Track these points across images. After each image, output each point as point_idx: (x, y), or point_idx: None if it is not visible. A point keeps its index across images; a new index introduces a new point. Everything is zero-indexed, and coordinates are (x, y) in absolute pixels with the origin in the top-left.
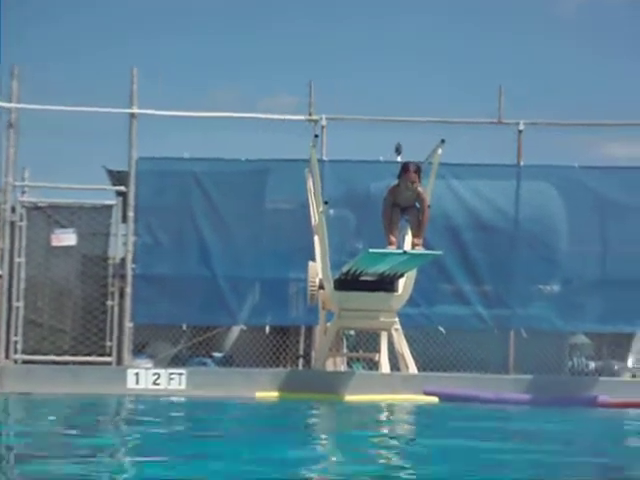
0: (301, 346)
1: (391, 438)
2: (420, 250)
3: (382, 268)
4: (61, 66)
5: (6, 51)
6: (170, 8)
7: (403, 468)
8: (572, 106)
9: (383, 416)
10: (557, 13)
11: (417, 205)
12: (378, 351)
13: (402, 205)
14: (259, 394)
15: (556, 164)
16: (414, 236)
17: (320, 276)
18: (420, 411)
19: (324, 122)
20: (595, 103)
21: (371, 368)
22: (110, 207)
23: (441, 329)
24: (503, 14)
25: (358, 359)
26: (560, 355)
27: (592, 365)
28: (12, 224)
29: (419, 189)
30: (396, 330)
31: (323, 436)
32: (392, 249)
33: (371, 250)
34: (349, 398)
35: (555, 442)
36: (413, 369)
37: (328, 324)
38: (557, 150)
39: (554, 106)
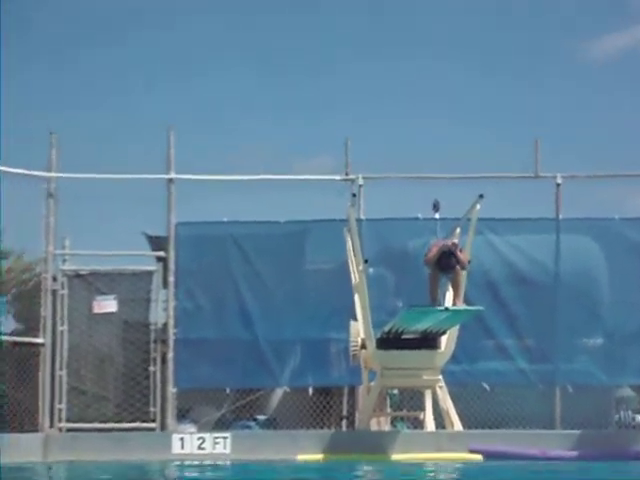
0: (344, 407)
1: None
2: (461, 306)
3: (424, 326)
4: (94, 130)
5: (42, 117)
6: (204, 69)
7: None
8: (609, 157)
9: (430, 476)
10: (591, 60)
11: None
12: (422, 409)
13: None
14: (301, 456)
15: (595, 216)
16: (454, 296)
17: (362, 335)
18: (466, 470)
19: (361, 181)
20: (633, 154)
21: (415, 427)
22: (150, 273)
23: (485, 385)
24: (537, 64)
25: (402, 418)
26: (606, 409)
27: (639, 418)
28: (54, 292)
29: (458, 254)
30: (440, 387)
31: None
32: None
33: (412, 307)
34: (395, 457)
35: None
36: (458, 426)
37: (371, 384)
38: (596, 202)
39: (592, 158)
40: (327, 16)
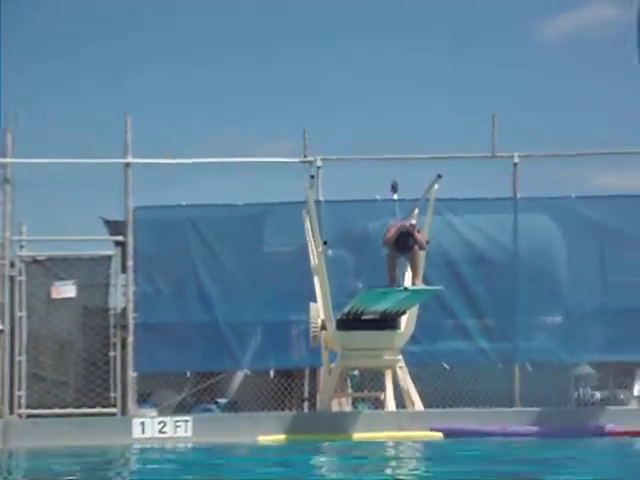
0: (306, 388)
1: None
2: (420, 286)
3: (383, 306)
4: (52, 116)
5: None
6: (164, 53)
7: None
8: (566, 137)
9: (391, 454)
10: (546, 41)
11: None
12: (383, 389)
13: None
14: (262, 438)
15: (552, 195)
16: (413, 277)
17: (322, 317)
18: (428, 448)
19: (319, 163)
20: (589, 133)
21: (377, 407)
22: (109, 257)
23: (445, 365)
24: (493, 45)
25: (363, 399)
26: (565, 386)
27: (598, 395)
28: (12, 278)
29: (416, 235)
30: (400, 368)
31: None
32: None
33: (372, 288)
34: (356, 437)
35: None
36: (419, 406)
37: (332, 365)
38: (553, 182)
39: (548, 138)
40: (283, 5)
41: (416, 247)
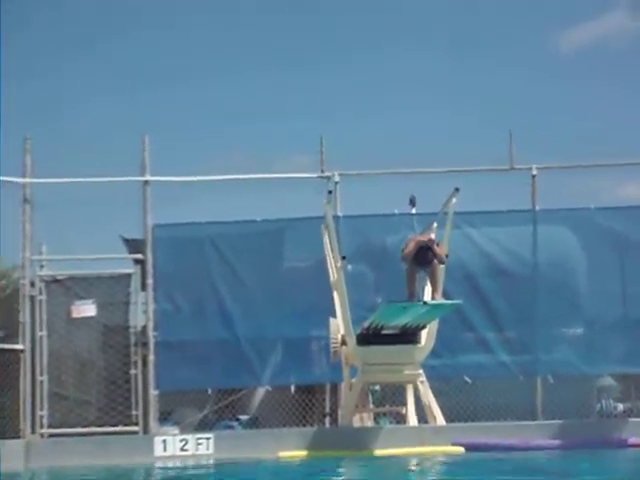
0: (327, 404)
1: None
2: (440, 300)
3: (403, 320)
4: (69, 134)
5: (15, 120)
6: (179, 69)
7: None
8: (584, 148)
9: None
10: (563, 52)
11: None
12: (404, 404)
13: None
14: (283, 454)
15: (571, 207)
16: (433, 291)
17: (342, 332)
18: (451, 463)
19: (337, 178)
20: (607, 144)
21: (398, 422)
22: (128, 276)
23: (466, 379)
24: (512, 59)
25: (385, 414)
26: (587, 398)
27: (620, 407)
28: (32, 298)
29: (435, 249)
30: (421, 382)
31: None
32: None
33: (391, 302)
34: (378, 453)
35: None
36: (441, 420)
37: (353, 380)
38: (571, 193)
39: (566, 149)
40: (298, 16)
41: (435, 261)
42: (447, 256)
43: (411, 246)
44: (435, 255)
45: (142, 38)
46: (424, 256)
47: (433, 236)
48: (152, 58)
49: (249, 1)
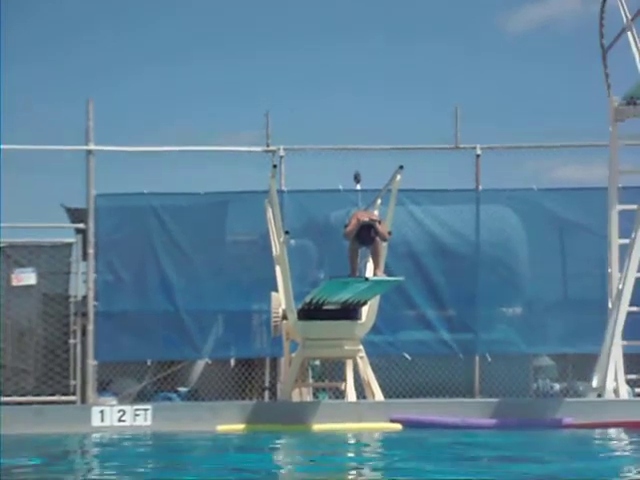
0: (267, 378)
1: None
2: (381, 277)
3: (345, 296)
4: (15, 98)
5: None
6: (128, 41)
7: None
8: (528, 129)
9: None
10: (510, 32)
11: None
12: (344, 380)
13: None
14: (221, 427)
15: (514, 187)
16: (375, 267)
17: (283, 306)
18: (385, 440)
19: (282, 152)
20: (551, 125)
21: (337, 397)
22: (70, 245)
23: (406, 355)
24: (457, 35)
25: (324, 389)
26: (525, 378)
27: (557, 387)
28: None
29: (377, 227)
30: (361, 358)
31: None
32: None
33: (333, 278)
34: (316, 428)
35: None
36: (379, 396)
37: (293, 355)
38: (515, 174)
39: (510, 130)
40: None
41: (378, 239)
42: (390, 233)
43: (353, 223)
44: (377, 233)
45: (90, 11)
46: (367, 234)
47: (376, 213)
48: (100, 31)
49: None
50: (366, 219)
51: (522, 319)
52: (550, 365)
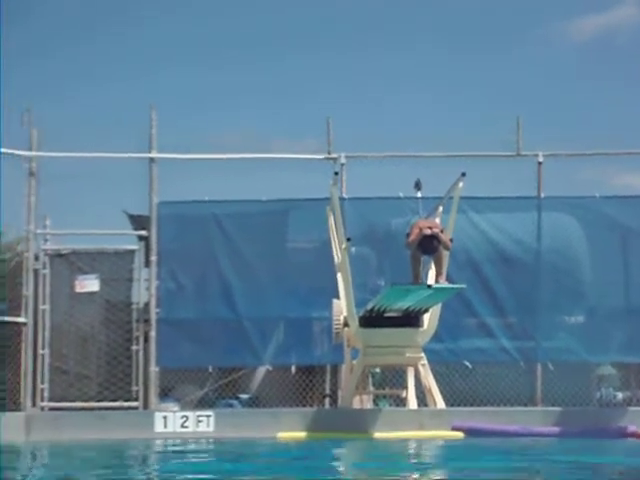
0: (327, 385)
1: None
2: (443, 284)
3: (407, 304)
4: (77, 107)
5: (22, 94)
6: (190, 48)
7: None
8: (591, 137)
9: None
10: (573, 41)
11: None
12: (405, 387)
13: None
14: (282, 434)
15: (576, 195)
16: (437, 275)
17: (345, 314)
18: (448, 447)
19: (343, 160)
20: (614, 133)
21: (398, 405)
22: (132, 252)
23: (467, 363)
24: (520, 45)
25: (385, 396)
26: (587, 386)
27: (620, 396)
28: (35, 272)
29: (440, 236)
30: (423, 365)
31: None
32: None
33: (395, 285)
34: (377, 436)
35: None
36: (441, 404)
37: (354, 362)
38: (577, 181)
39: (573, 137)
40: None
41: (441, 247)
42: (451, 241)
43: (415, 232)
44: (440, 242)
45: (152, 17)
46: (429, 243)
47: (438, 221)
48: (161, 40)
49: None
50: (428, 231)
51: (584, 327)
52: (613, 374)
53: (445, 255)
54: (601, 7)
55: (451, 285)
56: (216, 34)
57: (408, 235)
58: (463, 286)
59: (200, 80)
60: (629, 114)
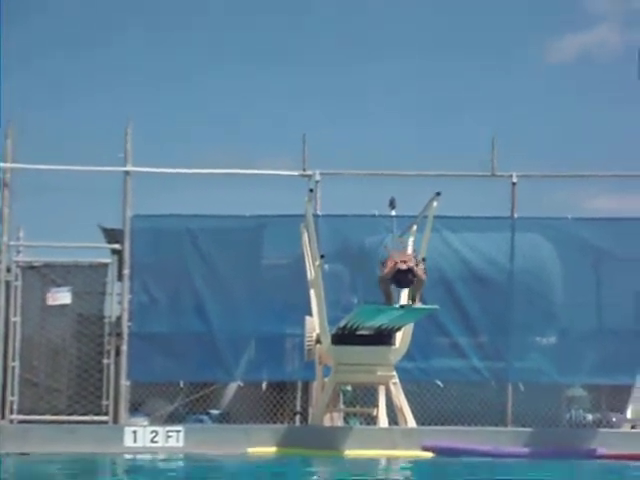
0: (298, 402)
1: None
2: (416, 305)
3: (379, 322)
4: (52, 119)
5: None
6: (165, 63)
7: None
8: (565, 158)
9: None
10: (549, 64)
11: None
12: (376, 406)
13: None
14: (252, 450)
15: (549, 216)
16: (410, 298)
17: (317, 331)
18: (417, 467)
19: (318, 177)
20: (588, 155)
21: (369, 423)
22: (105, 265)
23: (438, 382)
24: (495, 62)
25: (355, 414)
26: (558, 407)
27: (590, 417)
28: (7, 283)
29: (416, 270)
30: (394, 384)
31: None
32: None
33: (367, 304)
34: (347, 453)
35: None
36: (412, 423)
37: (325, 379)
38: (550, 202)
39: (547, 159)
40: (285, 16)
41: (416, 279)
42: (424, 260)
43: (390, 266)
44: (415, 276)
45: (130, 35)
46: (404, 277)
47: (410, 250)
48: (140, 54)
49: (242, 2)
50: (403, 265)
51: (555, 348)
52: (583, 395)
53: (421, 283)
54: (578, 27)
55: (423, 306)
56: (196, 51)
57: (383, 264)
58: (436, 307)
59: (177, 98)
60: (605, 136)
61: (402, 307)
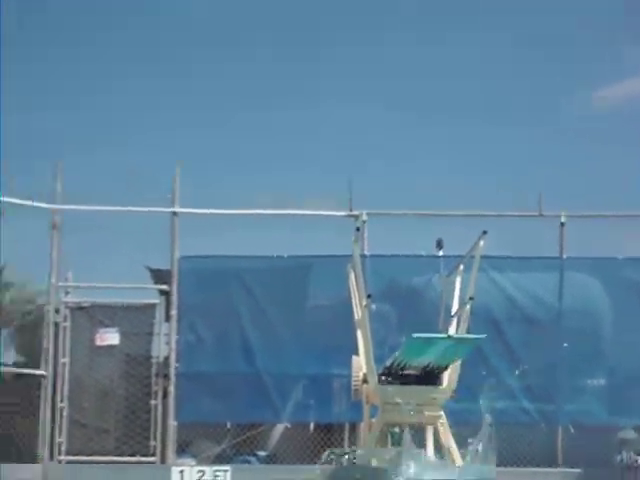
0: (345, 443)
1: None
2: (463, 334)
3: (427, 359)
4: (100, 160)
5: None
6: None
7: None
8: (613, 199)
9: None
10: (598, 108)
11: None
12: (423, 446)
13: None
14: None
15: (599, 256)
16: None
17: (364, 370)
18: None
19: (365, 217)
20: (634, 195)
21: None
22: (153, 306)
23: (487, 416)
24: (540, 107)
25: None
26: (608, 450)
27: None
28: (56, 325)
29: None
30: (442, 424)
31: None
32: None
33: (415, 335)
34: None
35: None
36: (460, 464)
37: (372, 420)
38: (600, 242)
39: (596, 198)
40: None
41: None
42: (472, 299)
43: None
44: None
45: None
46: None
47: (459, 279)
48: (188, 92)
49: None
50: None
51: (606, 390)
52: (634, 438)
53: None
54: (624, 75)
55: (471, 335)
56: (243, 93)
57: None
58: (483, 336)
59: (222, 137)
60: None
61: (450, 337)
